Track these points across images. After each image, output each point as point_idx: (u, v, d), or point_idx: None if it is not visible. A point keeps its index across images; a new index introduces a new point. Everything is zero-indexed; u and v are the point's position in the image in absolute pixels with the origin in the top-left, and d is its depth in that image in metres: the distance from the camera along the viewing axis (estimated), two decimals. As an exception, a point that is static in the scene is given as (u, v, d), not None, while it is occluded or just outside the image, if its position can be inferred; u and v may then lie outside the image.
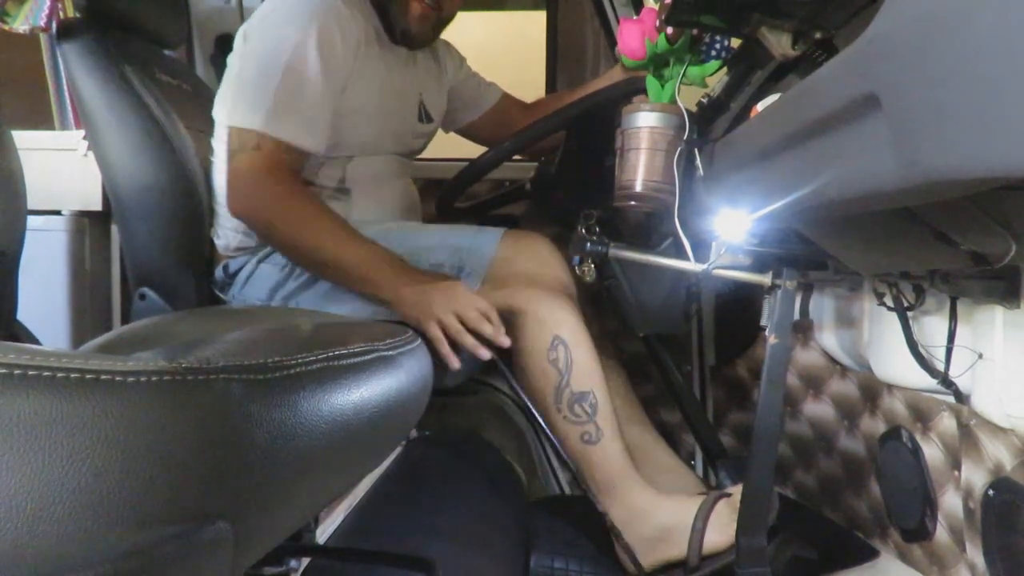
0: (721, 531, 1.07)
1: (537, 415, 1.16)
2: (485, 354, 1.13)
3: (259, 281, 1.30)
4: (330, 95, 1.24)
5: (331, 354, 0.50)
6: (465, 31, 1.47)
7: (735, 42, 0.93)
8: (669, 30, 0.93)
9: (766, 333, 0.95)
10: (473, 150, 1.64)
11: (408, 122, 1.44)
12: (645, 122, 0.95)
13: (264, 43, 1.23)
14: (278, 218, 1.19)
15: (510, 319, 1.20)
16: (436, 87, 1.52)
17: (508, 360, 1.22)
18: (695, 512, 1.10)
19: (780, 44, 0.75)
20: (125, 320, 1.50)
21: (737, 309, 1.57)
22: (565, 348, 1.16)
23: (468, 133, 1.65)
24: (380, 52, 1.34)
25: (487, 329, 1.12)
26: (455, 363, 1.14)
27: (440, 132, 1.62)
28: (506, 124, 1.60)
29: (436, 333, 1.12)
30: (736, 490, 1.12)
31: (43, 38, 1.75)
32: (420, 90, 1.46)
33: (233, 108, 1.23)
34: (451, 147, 1.72)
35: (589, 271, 1.17)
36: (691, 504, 1.12)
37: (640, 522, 1.11)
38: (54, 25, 1.37)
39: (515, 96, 1.66)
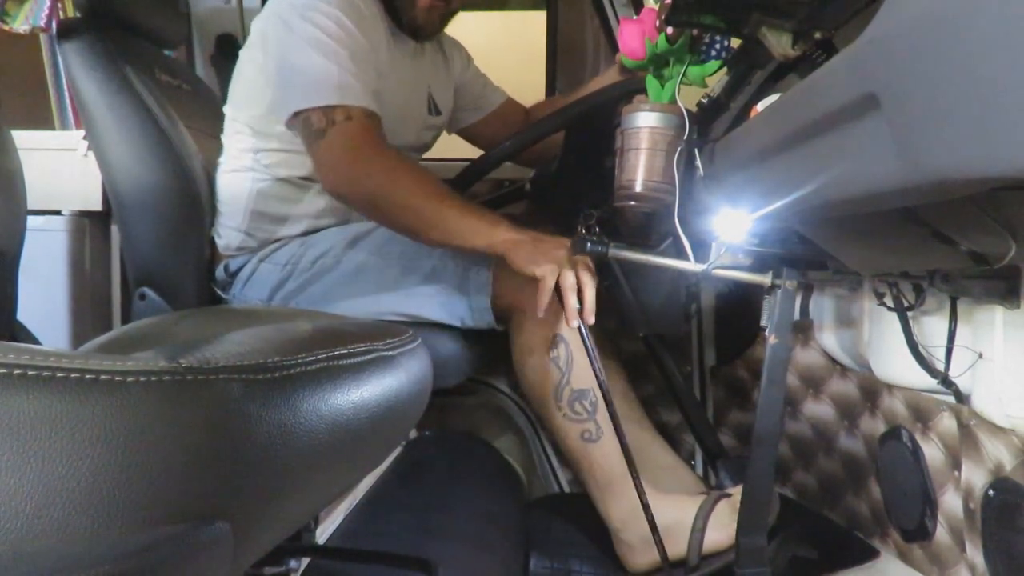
0: (721, 531, 1.07)
1: (538, 413, 1.16)
2: (575, 323, 1.08)
3: (260, 281, 1.30)
4: (374, 64, 1.24)
5: (331, 354, 0.50)
6: (465, 31, 1.47)
7: (735, 42, 0.93)
8: (669, 30, 0.93)
9: (766, 333, 0.95)
10: (473, 150, 1.64)
11: (419, 114, 1.44)
12: (645, 122, 0.95)
13: (299, 28, 1.19)
14: (388, 183, 1.14)
15: (512, 317, 1.20)
16: (444, 81, 1.52)
17: (510, 359, 1.22)
18: (695, 512, 1.10)
19: (780, 44, 0.75)
20: (125, 320, 1.50)
21: (737, 309, 1.57)
22: (566, 346, 1.16)
23: (469, 135, 1.65)
24: (389, 42, 1.34)
25: (589, 295, 1.08)
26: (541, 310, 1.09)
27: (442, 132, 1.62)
28: (508, 128, 1.59)
29: (549, 280, 1.07)
30: (736, 490, 1.12)
31: (43, 38, 1.74)
32: (428, 82, 1.46)
33: (298, 94, 1.18)
34: (451, 147, 1.72)
35: (589, 271, 1.16)
36: (691, 504, 1.12)
37: (640, 521, 1.11)
38: (54, 25, 1.37)
39: (517, 99, 1.66)
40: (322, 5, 1.19)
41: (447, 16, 1.39)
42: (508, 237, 1.10)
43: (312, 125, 1.17)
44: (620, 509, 1.14)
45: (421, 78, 1.43)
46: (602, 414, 1.15)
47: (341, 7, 1.19)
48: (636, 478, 1.06)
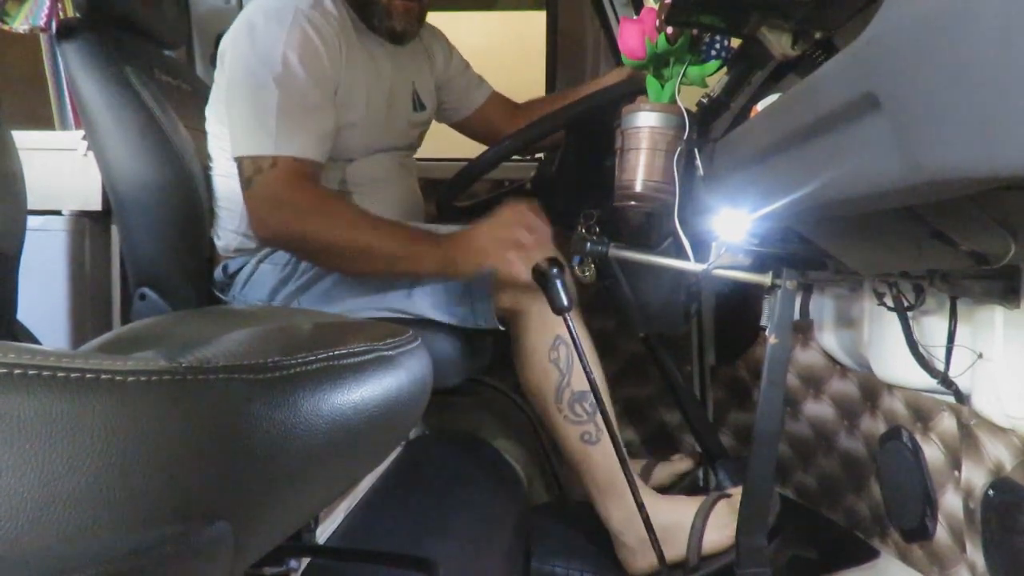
0: (720, 531, 1.07)
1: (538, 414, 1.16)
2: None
3: (260, 282, 1.30)
4: (327, 103, 1.22)
5: (331, 354, 0.49)
6: (465, 31, 1.47)
7: (735, 42, 0.93)
8: (669, 30, 0.93)
9: (766, 333, 0.95)
10: (473, 150, 1.64)
11: (403, 113, 1.43)
12: (645, 122, 0.95)
13: (247, 66, 1.20)
14: (310, 224, 1.15)
15: (513, 319, 1.20)
16: (427, 73, 1.51)
17: (510, 359, 1.22)
18: (694, 513, 1.10)
19: (780, 44, 0.75)
20: (125, 320, 1.50)
21: (737, 309, 1.57)
22: (566, 348, 1.16)
23: (458, 128, 1.65)
24: (363, 47, 1.31)
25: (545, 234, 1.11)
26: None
27: (439, 132, 1.61)
28: (495, 123, 1.60)
29: (517, 262, 1.10)
30: (736, 491, 1.12)
31: (43, 38, 1.74)
32: (412, 78, 1.45)
33: (238, 140, 1.20)
34: (451, 147, 1.72)
35: (589, 271, 1.17)
36: (691, 504, 1.12)
37: (640, 522, 1.11)
38: (54, 25, 1.37)
39: (512, 96, 1.66)
40: (273, 41, 1.18)
41: (422, 14, 1.37)
42: (447, 254, 1.12)
43: (243, 173, 1.18)
44: (620, 511, 1.14)
45: (404, 75, 1.42)
46: (602, 416, 1.15)
47: (293, 45, 1.17)
48: (630, 478, 1.06)
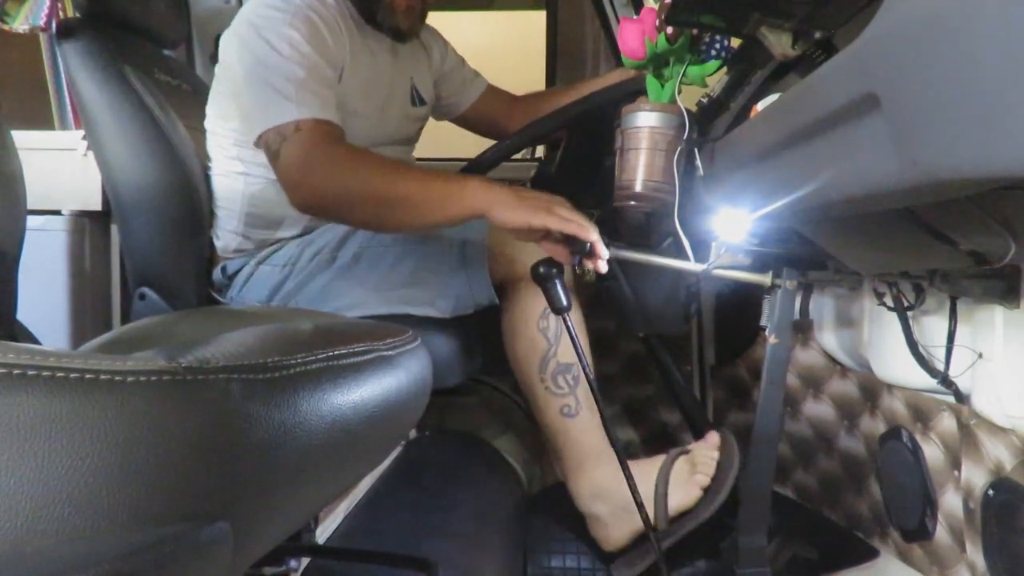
0: (684, 488, 1.07)
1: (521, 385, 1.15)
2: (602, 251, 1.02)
3: (259, 283, 1.30)
4: (335, 79, 1.23)
5: (331, 354, 0.49)
6: (465, 31, 1.47)
7: (735, 42, 0.93)
8: (669, 30, 0.93)
9: (766, 333, 0.95)
10: (473, 150, 1.64)
11: (402, 107, 1.43)
12: (645, 122, 0.96)
13: (254, 54, 1.19)
14: (344, 178, 1.09)
15: (505, 285, 1.19)
16: (425, 69, 1.52)
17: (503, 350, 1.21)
18: (656, 476, 1.09)
19: (780, 44, 0.75)
20: (125, 320, 1.50)
21: (737, 309, 1.57)
22: (556, 319, 1.16)
23: (458, 123, 1.66)
24: (363, 42, 1.32)
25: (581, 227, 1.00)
26: (592, 237, 1.00)
27: (440, 132, 1.61)
28: (493, 116, 1.60)
29: (553, 221, 1.00)
30: (695, 446, 1.11)
31: (43, 38, 1.75)
32: (411, 73, 1.45)
33: (256, 120, 1.17)
34: (451, 147, 1.72)
35: (589, 271, 1.16)
36: (651, 468, 1.11)
37: (607, 496, 1.10)
38: (54, 25, 1.37)
39: (509, 90, 1.66)
40: (276, 25, 1.17)
41: (424, 13, 1.38)
42: (485, 195, 1.03)
43: (270, 147, 1.15)
44: (587, 487, 1.14)
45: (403, 71, 1.42)
46: (583, 390, 1.15)
47: (297, 26, 1.17)
48: (614, 440, 1.04)
